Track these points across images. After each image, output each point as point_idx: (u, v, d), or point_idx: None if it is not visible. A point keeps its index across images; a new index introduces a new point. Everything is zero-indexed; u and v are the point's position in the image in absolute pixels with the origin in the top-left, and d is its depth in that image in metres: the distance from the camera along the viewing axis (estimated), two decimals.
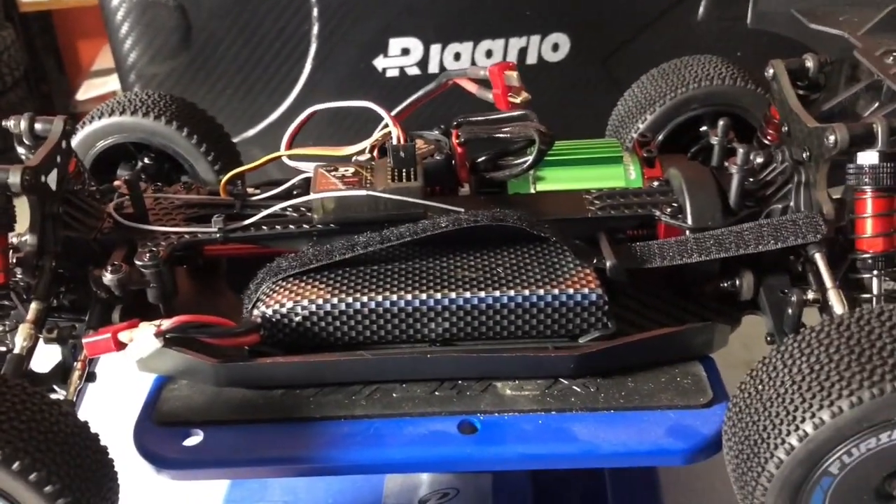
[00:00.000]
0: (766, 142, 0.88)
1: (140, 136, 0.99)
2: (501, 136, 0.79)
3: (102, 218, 0.82)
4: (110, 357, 0.70)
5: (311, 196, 0.75)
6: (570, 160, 0.84)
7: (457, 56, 1.28)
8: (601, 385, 0.71)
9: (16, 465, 0.57)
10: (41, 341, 0.73)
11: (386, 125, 0.88)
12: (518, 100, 0.76)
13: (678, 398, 0.70)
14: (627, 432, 0.67)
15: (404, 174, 0.77)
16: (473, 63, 1.27)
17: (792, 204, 0.77)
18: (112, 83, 1.77)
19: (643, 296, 0.78)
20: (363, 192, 0.74)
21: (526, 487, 0.87)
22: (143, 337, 0.67)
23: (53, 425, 0.61)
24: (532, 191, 0.83)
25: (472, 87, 0.80)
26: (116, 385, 0.85)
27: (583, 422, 0.68)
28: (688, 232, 0.76)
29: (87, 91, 1.85)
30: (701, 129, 0.98)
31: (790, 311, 0.72)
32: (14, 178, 0.70)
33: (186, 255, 0.81)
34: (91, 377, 0.74)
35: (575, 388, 0.71)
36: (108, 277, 0.73)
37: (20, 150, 0.81)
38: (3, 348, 0.73)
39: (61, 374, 0.74)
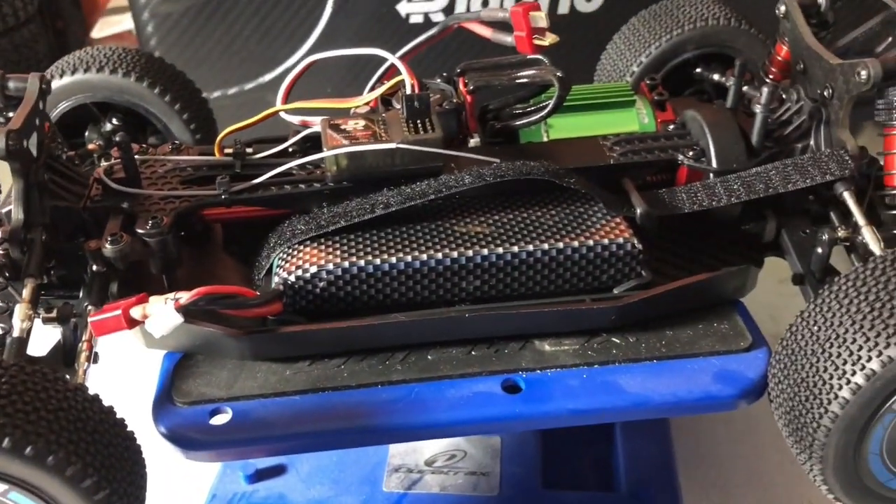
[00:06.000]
0: (768, 81, 0.87)
1: (106, 94, 0.91)
2: (520, 81, 0.75)
3: (88, 185, 0.75)
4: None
5: (331, 152, 0.70)
6: (581, 105, 0.81)
7: (485, 2, 1.20)
8: (640, 335, 0.69)
9: (50, 460, 0.52)
10: (37, 322, 0.67)
11: (384, 74, 0.84)
12: (546, 42, 0.72)
13: (719, 344, 0.69)
14: (675, 381, 0.66)
15: (419, 125, 0.73)
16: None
17: (812, 143, 0.76)
18: (128, 21, 1.65)
19: (661, 242, 0.77)
20: (392, 146, 0.69)
21: (534, 447, 0.85)
22: (163, 312, 0.62)
23: (82, 413, 0.55)
24: (545, 139, 0.80)
25: (484, 31, 0.76)
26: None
27: (628, 373, 0.67)
28: (712, 175, 0.75)
29: (102, 29, 1.74)
30: (695, 72, 0.97)
31: (819, 250, 0.71)
32: None
33: (184, 222, 0.74)
34: (95, 358, 0.68)
35: (615, 339, 0.69)
36: (108, 249, 0.67)
37: None
38: None
39: (62, 356, 0.68)
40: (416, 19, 1.20)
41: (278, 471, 0.84)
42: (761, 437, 0.96)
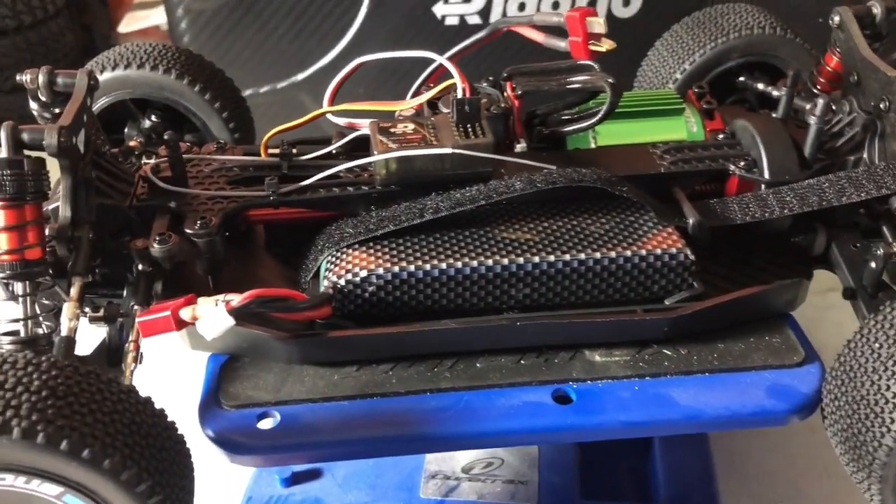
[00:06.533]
0: (816, 91, 0.87)
1: (146, 91, 0.90)
2: (572, 87, 0.74)
3: (134, 182, 0.74)
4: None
5: (386, 155, 0.69)
6: (629, 112, 0.80)
7: (521, 6, 1.20)
8: (692, 347, 0.68)
9: (107, 464, 0.51)
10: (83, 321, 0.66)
11: (429, 77, 0.83)
12: (604, 48, 0.71)
13: (771, 357, 0.68)
14: (728, 395, 0.65)
15: (469, 130, 0.72)
16: None
17: (865, 156, 0.75)
18: (155, 17, 1.65)
19: (707, 252, 0.76)
20: (447, 150, 0.68)
21: (572, 457, 0.84)
22: (214, 314, 0.61)
23: (135, 416, 0.55)
24: (592, 145, 0.80)
25: (536, 35, 0.75)
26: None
27: (680, 386, 0.66)
28: (763, 186, 0.74)
29: (129, 24, 1.72)
30: (738, 80, 0.96)
31: (873, 265, 0.70)
32: (50, 138, 0.63)
33: (230, 222, 0.74)
34: (139, 359, 0.67)
35: (666, 351, 0.68)
36: (156, 249, 0.66)
37: (34, 106, 0.73)
38: (41, 330, 0.66)
39: (107, 356, 0.67)
40: (452, 21, 1.19)
41: (314, 474, 0.83)
42: (797, 449, 0.95)
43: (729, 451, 0.95)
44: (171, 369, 0.83)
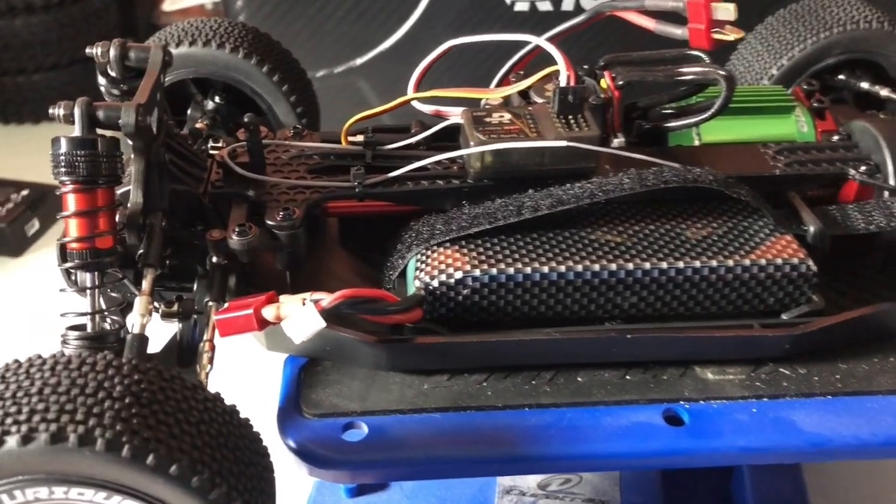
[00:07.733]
0: None
1: (210, 70, 0.85)
2: (681, 78, 0.68)
3: (207, 168, 0.69)
4: None
5: (487, 147, 0.64)
6: (734, 108, 0.74)
7: None
8: (811, 367, 0.63)
9: (195, 481, 0.46)
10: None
11: (517, 63, 0.78)
12: (730, 37, 0.65)
13: None
14: (856, 422, 0.59)
15: (572, 121, 0.67)
16: None
17: None
18: None
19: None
20: (561, 143, 0.63)
21: (655, 476, 0.79)
22: (305, 316, 0.55)
23: (223, 427, 0.49)
24: (696, 142, 0.74)
25: (645, 22, 0.69)
26: None
27: (802, 409, 0.60)
28: (886, 193, 0.68)
29: (173, 2, 1.63)
30: (837, 78, 0.90)
31: None
32: (128, 117, 0.57)
33: (309, 214, 0.68)
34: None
35: (783, 370, 0.62)
36: (235, 241, 0.61)
37: (102, 82, 0.67)
38: (107, 325, 0.60)
39: (176, 355, 0.62)
40: (521, 7, 1.13)
41: (380, 485, 0.78)
42: (893, 475, 0.89)
43: (818, 474, 0.89)
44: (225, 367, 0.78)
